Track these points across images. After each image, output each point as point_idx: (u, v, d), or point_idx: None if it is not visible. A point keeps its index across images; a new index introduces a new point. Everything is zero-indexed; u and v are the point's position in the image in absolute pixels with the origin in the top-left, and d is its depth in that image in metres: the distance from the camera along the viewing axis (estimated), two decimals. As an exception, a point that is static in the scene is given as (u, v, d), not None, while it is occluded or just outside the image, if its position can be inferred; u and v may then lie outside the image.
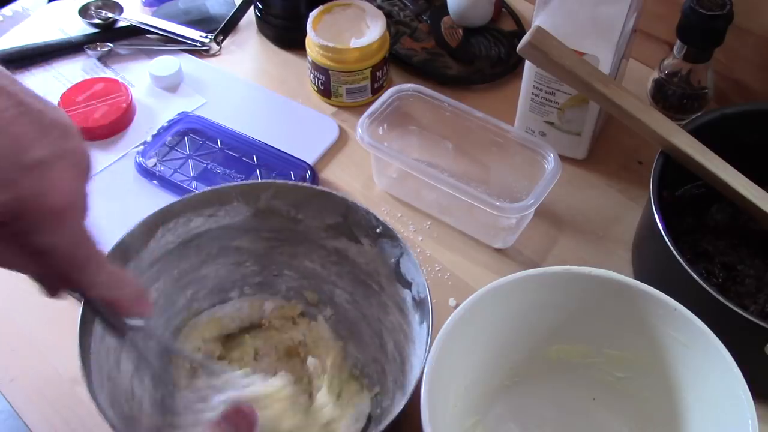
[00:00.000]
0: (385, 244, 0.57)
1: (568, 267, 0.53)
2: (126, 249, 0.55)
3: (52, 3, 0.94)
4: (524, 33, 0.67)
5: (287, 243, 0.62)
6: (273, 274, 0.64)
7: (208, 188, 0.59)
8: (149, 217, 0.56)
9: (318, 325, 0.63)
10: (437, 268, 0.69)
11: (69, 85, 0.81)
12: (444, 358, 0.49)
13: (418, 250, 0.70)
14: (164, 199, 0.73)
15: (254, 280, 0.64)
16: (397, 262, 0.57)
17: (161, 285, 0.59)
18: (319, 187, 0.59)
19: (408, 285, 0.56)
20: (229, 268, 0.63)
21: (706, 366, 0.50)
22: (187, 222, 0.59)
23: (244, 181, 0.60)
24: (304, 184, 0.60)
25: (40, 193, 0.37)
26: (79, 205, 0.40)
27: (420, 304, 0.54)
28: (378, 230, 0.57)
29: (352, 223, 0.59)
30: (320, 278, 0.63)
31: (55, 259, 0.40)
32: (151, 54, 0.87)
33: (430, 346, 0.50)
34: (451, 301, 0.66)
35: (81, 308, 0.50)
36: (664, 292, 0.51)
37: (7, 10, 0.94)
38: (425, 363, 0.49)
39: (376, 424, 0.56)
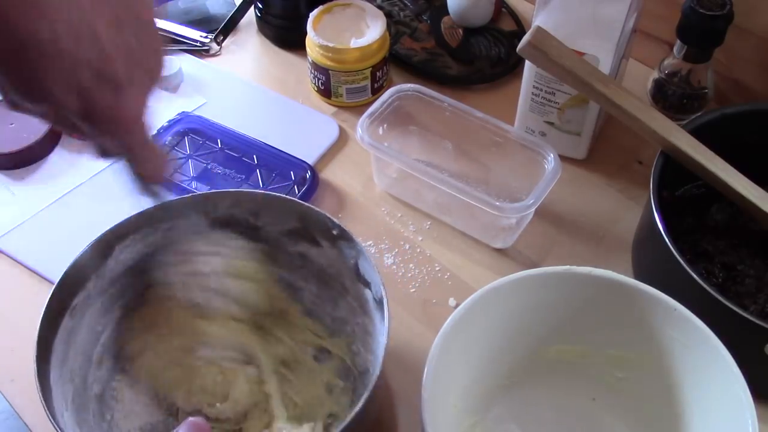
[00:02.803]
0: (342, 246, 0.57)
1: (568, 267, 0.53)
2: (82, 269, 0.54)
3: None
4: (524, 33, 0.67)
5: None
6: None
7: (164, 201, 0.58)
8: (101, 236, 0.55)
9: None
10: (437, 268, 0.69)
11: (69, 85, 0.81)
12: (444, 358, 0.49)
13: (419, 250, 0.70)
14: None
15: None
16: (356, 263, 0.57)
17: (126, 301, 0.59)
18: (275, 194, 0.59)
19: (368, 285, 0.56)
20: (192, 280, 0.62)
21: (706, 366, 0.50)
22: (145, 236, 0.58)
23: (199, 192, 0.60)
24: (259, 191, 0.59)
25: (116, 106, 0.44)
26: (145, 113, 0.47)
27: (379, 303, 0.54)
28: (334, 232, 0.57)
29: (310, 226, 0.58)
30: (286, 283, 0.63)
31: (122, 148, 0.49)
32: (151, 54, 0.87)
33: (387, 346, 0.50)
34: (451, 301, 0.66)
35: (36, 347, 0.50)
36: (664, 292, 0.51)
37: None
38: (380, 361, 0.49)
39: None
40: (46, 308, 0.52)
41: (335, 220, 0.56)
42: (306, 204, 0.58)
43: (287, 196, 0.59)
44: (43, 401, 0.47)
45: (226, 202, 0.59)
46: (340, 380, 0.59)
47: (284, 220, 0.59)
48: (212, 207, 0.59)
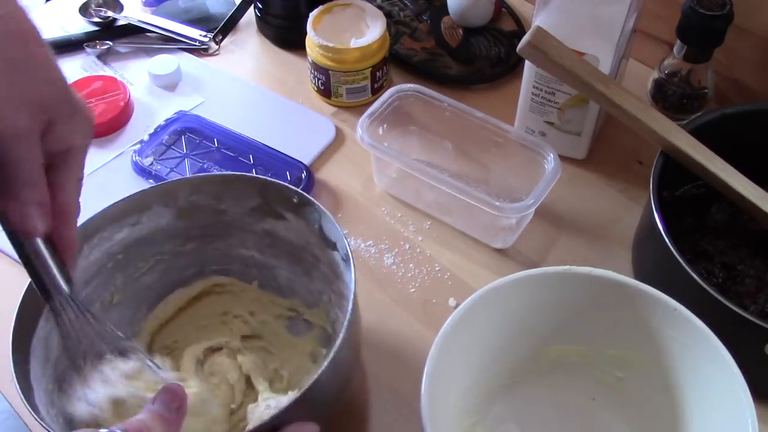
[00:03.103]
0: (305, 213, 0.57)
1: (568, 267, 0.53)
2: None
3: (51, 2, 0.94)
4: (524, 33, 0.67)
5: (219, 236, 0.62)
6: (213, 269, 0.64)
7: (125, 197, 0.57)
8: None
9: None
10: (437, 268, 0.69)
11: (68, 84, 0.81)
12: (444, 358, 0.49)
13: (419, 250, 0.70)
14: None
15: (195, 279, 0.63)
16: (320, 226, 0.57)
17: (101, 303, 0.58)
18: (231, 173, 0.59)
19: (334, 246, 0.56)
20: (166, 273, 0.62)
21: (707, 366, 0.50)
22: (112, 235, 0.58)
23: (158, 183, 0.59)
24: (217, 173, 0.59)
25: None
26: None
27: (347, 260, 0.54)
28: (295, 200, 0.57)
29: (272, 200, 0.58)
30: (260, 264, 0.63)
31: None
32: (150, 52, 0.87)
33: (354, 302, 0.50)
34: (451, 301, 0.66)
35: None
36: (664, 292, 0.51)
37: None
38: (347, 325, 0.48)
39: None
40: (19, 310, 0.51)
41: (293, 187, 0.57)
42: (263, 177, 0.58)
43: (244, 173, 0.58)
44: (24, 400, 0.46)
45: (186, 190, 0.59)
46: (323, 348, 0.60)
47: (246, 199, 0.59)
48: (174, 197, 0.59)
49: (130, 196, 0.58)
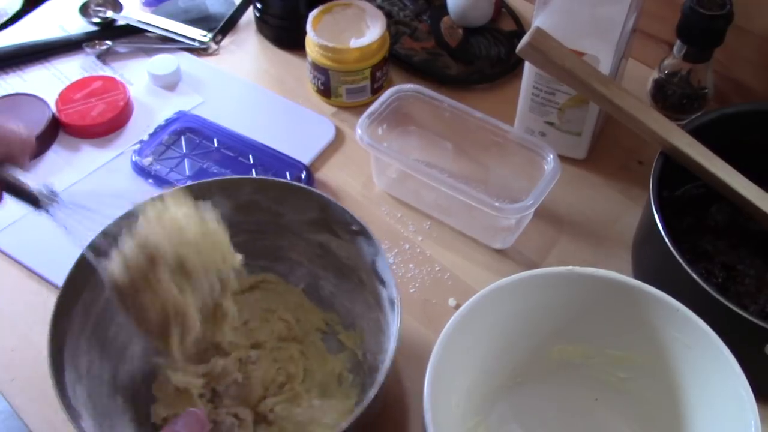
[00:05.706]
0: (361, 242, 0.58)
1: (571, 267, 0.53)
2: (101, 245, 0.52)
3: (50, 1, 0.94)
4: (524, 33, 0.67)
5: (271, 235, 0.63)
6: (259, 265, 0.64)
7: (189, 183, 0.58)
8: (123, 216, 0.54)
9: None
10: (437, 268, 0.69)
11: (67, 83, 0.81)
12: (446, 359, 0.49)
13: (418, 250, 0.70)
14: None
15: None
16: (374, 261, 0.57)
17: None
18: (297, 184, 0.60)
19: (384, 284, 0.56)
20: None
21: (709, 366, 0.50)
22: None
23: (224, 176, 0.60)
24: (283, 180, 0.60)
25: None
26: None
27: (392, 304, 0.54)
28: (354, 228, 0.57)
29: (331, 219, 0.59)
30: (307, 271, 0.64)
31: None
32: (149, 52, 0.87)
33: (397, 346, 0.50)
34: (451, 301, 0.66)
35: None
36: (664, 292, 0.51)
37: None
38: (389, 358, 0.49)
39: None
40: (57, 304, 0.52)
41: (355, 215, 0.57)
42: (327, 196, 0.59)
43: (310, 188, 0.60)
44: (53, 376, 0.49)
45: (250, 187, 0.60)
46: (350, 374, 0.60)
47: (307, 210, 0.60)
48: (236, 191, 0.59)
49: (195, 183, 0.59)
